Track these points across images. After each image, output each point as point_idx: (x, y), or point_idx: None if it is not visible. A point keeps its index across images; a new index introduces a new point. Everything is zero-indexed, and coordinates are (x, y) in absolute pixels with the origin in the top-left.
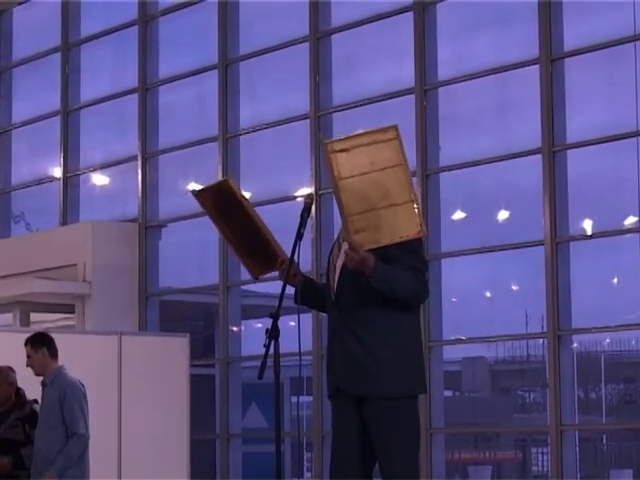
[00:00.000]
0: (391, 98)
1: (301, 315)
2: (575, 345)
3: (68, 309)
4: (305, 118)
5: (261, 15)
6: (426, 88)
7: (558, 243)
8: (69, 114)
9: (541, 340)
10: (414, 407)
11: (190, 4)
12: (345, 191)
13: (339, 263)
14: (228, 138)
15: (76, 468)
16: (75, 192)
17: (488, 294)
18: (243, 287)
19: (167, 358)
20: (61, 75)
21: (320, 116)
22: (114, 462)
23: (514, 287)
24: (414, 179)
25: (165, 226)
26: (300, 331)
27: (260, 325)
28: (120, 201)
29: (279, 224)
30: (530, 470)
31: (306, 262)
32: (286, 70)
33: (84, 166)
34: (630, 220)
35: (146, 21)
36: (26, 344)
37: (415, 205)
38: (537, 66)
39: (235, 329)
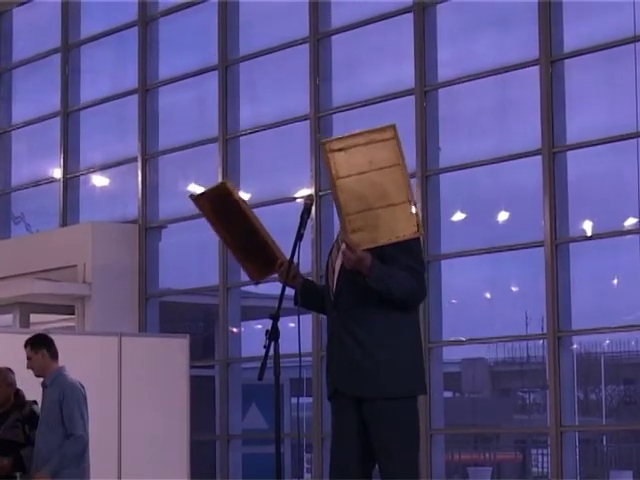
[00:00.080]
0: (391, 99)
1: (301, 316)
2: (575, 346)
3: (68, 310)
4: (305, 119)
5: (261, 16)
6: (426, 89)
7: (558, 244)
8: (69, 115)
9: (541, 341)
10: (414, 407)
11: (190, 5)
12: (343, 190)
13: (338, 264)
14: (228, 139)
15: (75, 469)
16: (75, 193)
17: (488, 295)
18: (243, 288)
19: (167, 359)
20: (61, 76)
21: (320, 117)
22: (114, 463)
23: (514, 288)
24: (413, 180)
25: (165, 227)
26: (300, 332)
27: (260, 326)
28: (120, 202)
29: (279, 225)
30: (530, 471)
31: (306, 263)
32: (286, 71)
33: (84, 167)
34: (630, 221)
35: (146, 22)
36: (26, 346)
37: (413, 205)
38: (537, 67)
39: (235, 330)
